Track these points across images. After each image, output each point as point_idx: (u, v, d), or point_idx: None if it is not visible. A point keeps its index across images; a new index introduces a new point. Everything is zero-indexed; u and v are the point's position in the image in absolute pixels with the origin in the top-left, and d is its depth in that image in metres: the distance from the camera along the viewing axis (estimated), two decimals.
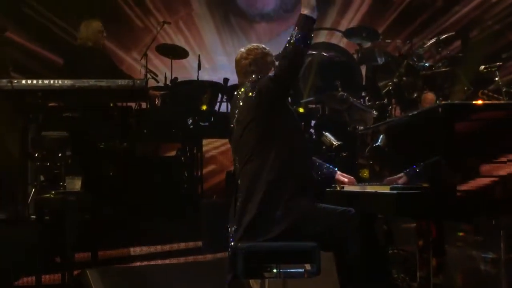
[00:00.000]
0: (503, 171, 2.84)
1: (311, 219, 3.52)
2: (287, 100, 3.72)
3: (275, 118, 3.63)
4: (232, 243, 3.58)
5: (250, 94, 3.70)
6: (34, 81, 5.74)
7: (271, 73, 3.73)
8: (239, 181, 3.69)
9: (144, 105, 7.15)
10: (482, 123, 2.91)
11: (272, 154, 3.58)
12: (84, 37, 6.67)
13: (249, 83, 3.77)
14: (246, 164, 3.65)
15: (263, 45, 3.96)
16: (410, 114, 3.60)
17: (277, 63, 3.74)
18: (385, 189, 3.06)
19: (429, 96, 6.61)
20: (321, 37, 9.20)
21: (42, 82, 5.74)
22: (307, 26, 3.47)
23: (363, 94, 7.44)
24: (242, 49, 3.92)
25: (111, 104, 6.39)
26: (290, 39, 3.48)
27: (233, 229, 3.62)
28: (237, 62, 3.90)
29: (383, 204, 3.13)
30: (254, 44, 3.96)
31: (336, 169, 4.00)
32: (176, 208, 6.09)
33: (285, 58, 3.50)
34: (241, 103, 3.77)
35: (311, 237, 3.47)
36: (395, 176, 3.36)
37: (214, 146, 8.44)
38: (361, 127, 5.85)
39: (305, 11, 3.47)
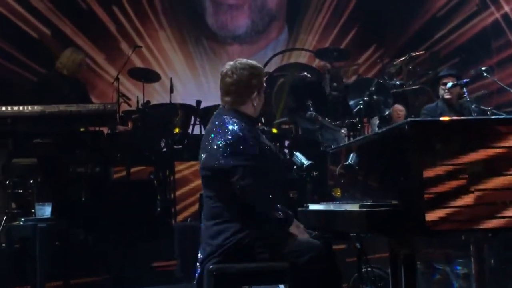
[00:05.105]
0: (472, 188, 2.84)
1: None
2: None
3: None
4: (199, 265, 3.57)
5: (219, 144, 3.53)
6: (3, 108, 5.69)
7: (234, 179, 3.48)
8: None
9: None
10: (450, 139, 2.91)
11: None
12: (63, 63, 6.86)
13: (219, 129, 3.57)
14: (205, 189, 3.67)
15: (253, 63, 3.69)
16: (379, 131, 3.61)
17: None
18: (355, 208, 3.06)
19: (397, 107, 6.69)
20: (293, 57, 9.26)
21: (12, 109, 5.69)
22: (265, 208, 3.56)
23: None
24: (231, 63, 3.66)
25: (83, 129, 6.36)
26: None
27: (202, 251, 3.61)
28: (222, 78, 3.67)
29: (354, 222, 3.12)
30: (244, 62, 3.66)
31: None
32: (150, 231, 6.03)
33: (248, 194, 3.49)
34: (210, 142, 3.59)
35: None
36: None
37: (186, 168, 8.39)
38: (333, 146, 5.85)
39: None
